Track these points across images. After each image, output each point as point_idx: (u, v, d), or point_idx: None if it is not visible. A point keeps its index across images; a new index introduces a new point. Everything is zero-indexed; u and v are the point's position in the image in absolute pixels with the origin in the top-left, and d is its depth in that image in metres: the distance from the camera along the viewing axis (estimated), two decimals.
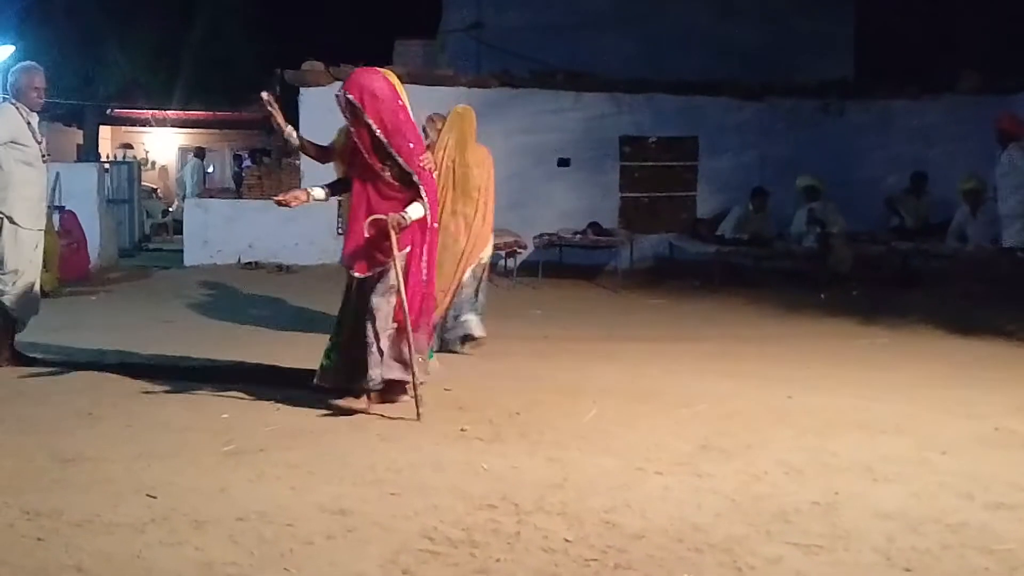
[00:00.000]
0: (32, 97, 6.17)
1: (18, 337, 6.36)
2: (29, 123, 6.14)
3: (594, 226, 12.30)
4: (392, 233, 4.92)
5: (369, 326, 5.03)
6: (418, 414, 4.94)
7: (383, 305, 5.04)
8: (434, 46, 18.08)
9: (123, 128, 24.08)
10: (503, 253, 10.91)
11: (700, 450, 4.47)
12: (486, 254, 7.15)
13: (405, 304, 4.98)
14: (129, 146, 21.72)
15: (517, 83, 12.95)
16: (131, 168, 16.92)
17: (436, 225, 5.39)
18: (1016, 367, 6.66)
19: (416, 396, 5.01)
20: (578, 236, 12.12)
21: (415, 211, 5.03)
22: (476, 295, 7.07)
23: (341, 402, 5.02)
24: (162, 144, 25.40)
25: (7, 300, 6.14)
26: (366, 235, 5.02)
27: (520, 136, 12.30)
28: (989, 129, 10.06)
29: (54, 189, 10.85)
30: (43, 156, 6.28)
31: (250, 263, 12.41)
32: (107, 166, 15.44)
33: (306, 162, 10.10)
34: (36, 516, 3.48)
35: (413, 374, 5.03)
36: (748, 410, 5.25)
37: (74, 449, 4.34)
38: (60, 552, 3.17)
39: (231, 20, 18.41)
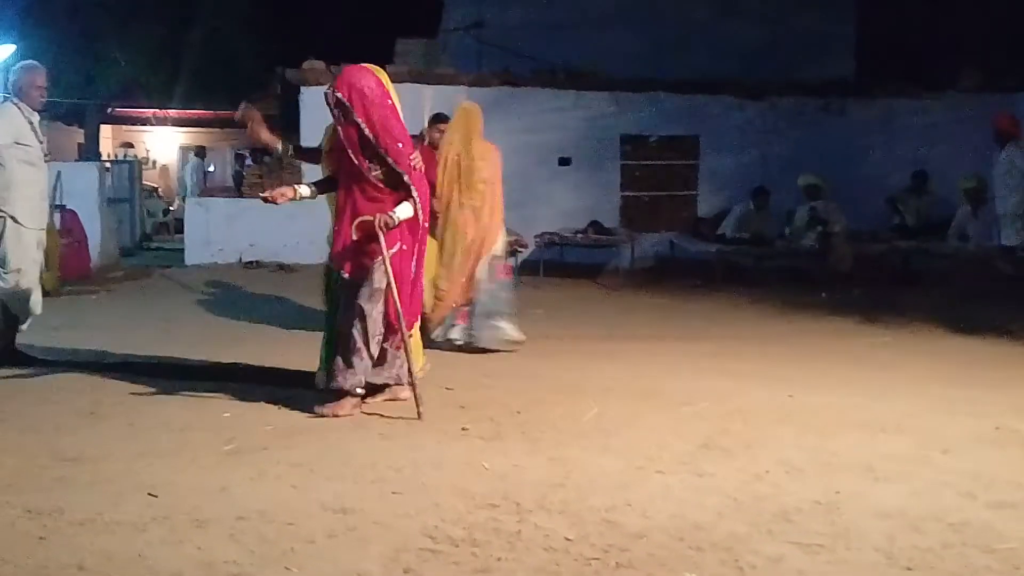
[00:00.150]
0: (34, 96, 6.16)
1: (19, 337, 6.35)
2: (31, 122, 6.13)
3: (595, 225, 12.29)
4: (380, 233, 4.88)
5: (358, 330, 4.98)
6: (419, 413, 4.94)
7: (371, 310, 4.99)
8: (435, 45, 18.04)
9: (124, 127, 24.07)
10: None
11: (701, 449, 4.47)
12: (499, 247, 7.16)
13: (399, 305, 4.96)
14: (130, 145, 21.71)
15: (518, 82, 12.95)
16: (132, 167, 16.91)
17: (427, 224, 5.36)
18: (1017, 366, 6.66)
19: (416, 395, 5.00)
20: (579, 235, 12.12)
21: (404, 211, 4.98)
22: (507, 300, 7.12)
23: (325, 409, 4.98)
24: (163, 143, 25.42)
25: (9, 299, 6.14)
26: (353, 237, 4.99)
27: (521, 135, 12.25)
28: (990, 128, 10.07)
29: (55, 188, 10.84)
30: (45, 155, 6.28)
31: (251, 262, 12.40)
32: (108, 165, 15.42)
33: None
34: (38, 515, 3.48)
35: (411, 374, 5.03)
36: (749, 409, 5.24)
37: (75, 448, 4.34)
38: (61, 551, 3.18)
39: (232, 19, 18.36)
